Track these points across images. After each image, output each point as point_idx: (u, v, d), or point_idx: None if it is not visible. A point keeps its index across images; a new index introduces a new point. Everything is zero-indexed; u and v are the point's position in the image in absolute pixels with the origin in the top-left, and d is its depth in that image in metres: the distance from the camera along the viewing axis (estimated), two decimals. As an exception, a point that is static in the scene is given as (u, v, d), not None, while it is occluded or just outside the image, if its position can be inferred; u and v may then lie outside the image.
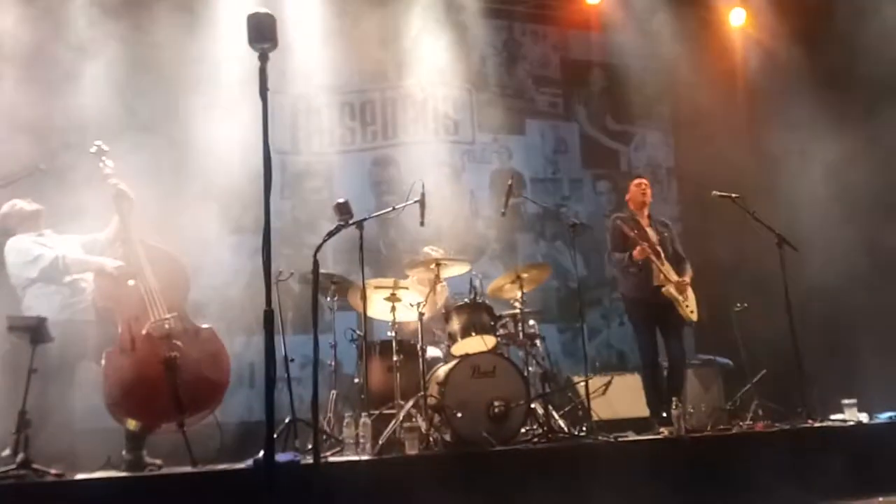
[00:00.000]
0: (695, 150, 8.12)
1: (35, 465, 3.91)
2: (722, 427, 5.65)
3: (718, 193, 6.18)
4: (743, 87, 8.63)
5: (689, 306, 5.82)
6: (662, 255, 5.86)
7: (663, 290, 5.75)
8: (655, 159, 8.87)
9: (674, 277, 5.82)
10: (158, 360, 4.45)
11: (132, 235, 4.76)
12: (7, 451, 4.18)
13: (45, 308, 4.58)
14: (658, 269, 5.77)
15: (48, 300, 4.65)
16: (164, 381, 4.42)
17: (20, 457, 3.92)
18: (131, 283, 4.62)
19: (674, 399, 5.35)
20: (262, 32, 3.03)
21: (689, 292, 5.87)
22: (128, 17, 6.47)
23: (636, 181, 6.20)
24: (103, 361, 4.45)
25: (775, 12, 8.32)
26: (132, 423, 4.42)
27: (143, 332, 4.52)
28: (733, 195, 6.15)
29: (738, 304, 6.70)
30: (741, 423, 5.81)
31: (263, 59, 3.06)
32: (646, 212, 6.09)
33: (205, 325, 4.82)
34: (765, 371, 6.36)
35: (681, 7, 8.18)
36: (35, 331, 4.17)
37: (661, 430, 5.38)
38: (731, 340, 6.73)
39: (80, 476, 4.08)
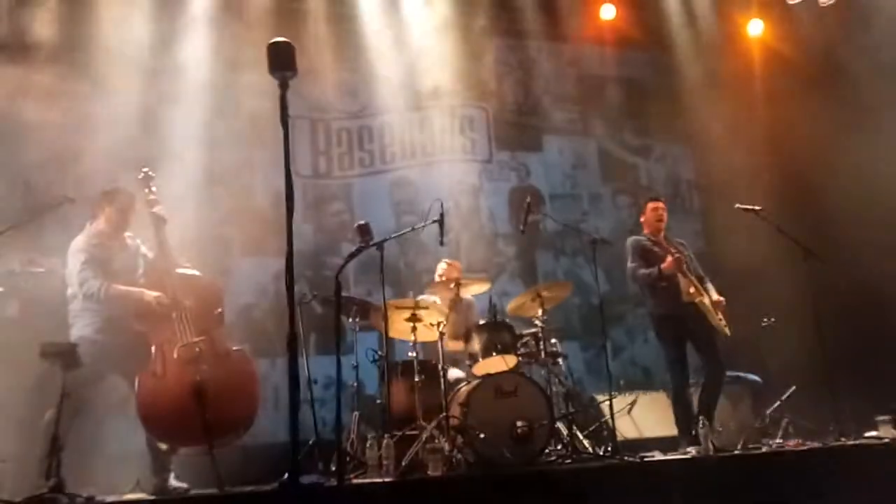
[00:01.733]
0: (716, 162, 8.08)
1: (67, 490, 3.95)
2: (752, 446, 5.56)
3: (742, 206, 6.11)
4: (762, 98, 8.57)
5: (723, 321, 5.74)
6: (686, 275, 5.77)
7: (697, 300, 5.61)
8: (676, 173, 8.83)
9: (710, 294, 5.73)
10: (186, 384, 4.50)
11: (169, 259, 4.84)
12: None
13: (87, 322, 4.68)
14: (688, 282, 5.65)
15: (92, 317, 4.70)
16: (193, 405, 4.45)
17: (52, 480, 3.97)
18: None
19: (701, 418, 5.26)
20: (282, 60, 3.10)
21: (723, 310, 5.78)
22: (152, 46, 6.61)
23: (653, 204, 6.04)
24: (136, 384, 4.51)
25: (793, 23, 8.29)
26: (164, 445, 4.48)
27: (174, 355, 4.58)
28: (757, 208, 6.07)
29: (766, 319, 6.62)
30: (771, 442, 5.72)
31: (283, 86, 3.12)
32: (661, 235, 5.98)
33: (236, 348, 4.86)
34: (795, 387, 6.26)
35: (698, 19, 8.17)
36: (67, 357, 4.24)
37: (689, 449, 5.29)
38: (759, 356, 6.65)
39: (110, 499, 4.12)
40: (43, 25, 6.32)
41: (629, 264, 5.85)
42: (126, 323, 4.67)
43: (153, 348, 4.60)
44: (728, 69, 8.42)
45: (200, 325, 4.70)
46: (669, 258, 5.58)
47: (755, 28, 8.56)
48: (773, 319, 6.63)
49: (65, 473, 4.05)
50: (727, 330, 5.72)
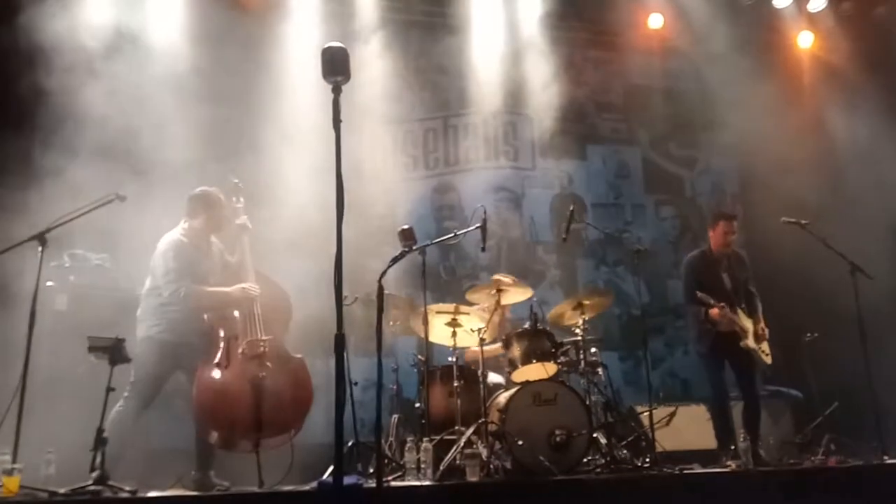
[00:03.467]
0: (761, 175, 7.96)
1: (110, 482, 4.03)
2: (792, 462, 5.47)
3: (787, 220, 6.03)
4: (811, 111, 8.42)
5: (765, 350, 5.73)
6: (734, 299, 5.76)
7: (741, 343, 5.64)
8: (720, 185, 8.74)
9: (749, 327, 5.72)
10: (247, 378, 4.59)
11: (248, 263, 5.00)
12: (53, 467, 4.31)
13: (154, 323, 4.75)
14: (733, 322, 5.67)
15: (159, 318, 4.76)
16: (249, 399, 4.54)
17: (96, 473, 4.05)
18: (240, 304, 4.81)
19: (742, 431, 5.20)
20: (336, 65, 3.14)
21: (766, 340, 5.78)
22: (202, 50, 6.73)
23: (727, 221, 5.95)
24: (197, 373, 4.59)
25: (844, 35, 8.15)
26: (214, 437, 4.55)
27: (240, 350, 4.67)
28: (802, 221, 5.99)
29: (809, 334, 6.52)
30: (812, 458, 5.62)
31: (336, 91, 3.16)
32: (729, 250, 5.96)
33: (297, 356, 4.94)
34: (837, 404, 6.15)
35: (746, 30, 8.07)
36: (114, 351, 4.33)
37: (729, 463, 5.23)
38: (801, 371, 6.54)
39: (152, 494, 4.19)
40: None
41: (683, 287, 5.88)
42: (193, 325, 4.73)
43: (221, 340, 4.69)
44: (776, 82, 8.29)
45: (268, 327, 4.82)
46: (716, 311, 5.58)
47: (805, 40, 8.43)
48: (815, 334, 6.52)
49: (112, 467, 4.13)
50: (768, 359, 5.74)
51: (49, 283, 5.30)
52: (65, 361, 5.09)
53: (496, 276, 6.08)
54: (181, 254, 4.81)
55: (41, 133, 6.23)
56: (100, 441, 4.15)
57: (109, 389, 4.27)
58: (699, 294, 5.62)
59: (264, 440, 4.56)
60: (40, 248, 4.51)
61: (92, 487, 4.00)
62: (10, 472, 3.87)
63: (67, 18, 6.08)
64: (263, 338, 4.73)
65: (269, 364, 4.67)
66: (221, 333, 4.72)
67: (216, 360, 4.64)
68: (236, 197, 5.19)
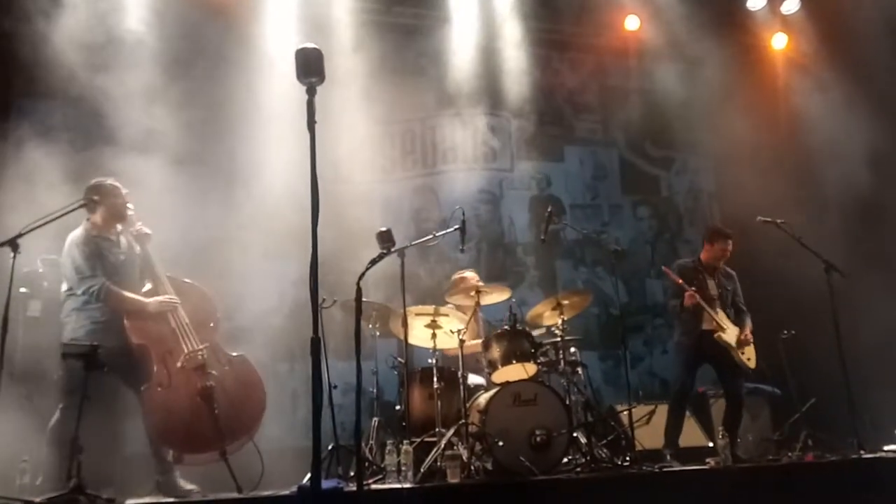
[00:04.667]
0: (737, 174, 8.03)
1: (87, 491, 3.98)
2: (770, 458, 5.52)
3: (763, 219, 6.09)
4: (785, 111, 8.53)
5: (746, 355, 5.79)
6: (718, 304, 5.84)
7: (715, 335, 5.71)
8: (697, 184, 8.81)
9: (731, 327, 5.78)
10: (194, 392, 4.55)
11: (157, 271, 4.85)
12: (40, 480, 4.28)
13: (80, 324, 4.63)
14: (710, 316, 5.74)
15: (84, 319, 4.65)
16: (203, 412, 4.50)
17: (73, 482, 4.00)
18: (164, 317, 4.69)
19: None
20: (310, 67, 3.12)
21: (749, 346, 5.84)
22: (176, 52, 6.68)
23: (725, 239, 6.01)
24: (143, 400, 4.54)
25: (817, 36, 8.24)
26: (170, 454, 4.51)
27: (178, 364, 4.61)
28: (778, 220, 6.06)
29: (786, 332, 6.58)
30: (790, 454, 5.68)
31: (311, 92, 3.14)
32: (716, 264, 6.02)
33: (235, 354, 4.90)
34: (814, 400, 6.23)
35: (721, 31, 8.14)
36: (88, 358, 4.28)
37: (708, 460, 5.28)
38: (778, 368, 6.60)
39: (130, 502, 4.14)
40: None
41: (667, 286, 6.00)
42: (120, 325, 4.63)
43: (154, 362, 4.60)
44: (751, 82, 8.39)
45: (201, 334, 4.75)
46: (688, 296, 5.66)
47: (779, 41, 8.53)
48: (792, 332, 6.59)
49: (84, 475, 4.07)
50: (751, 364, 5.79)
51: (22, 290, 5.22)
52: (39, 368, 5.03)
53: (459, 274, 6.08)
54: (87, 247, 4.68)
55: (13, 135, 6.14)
56: (75, 449, 4.09)
57: (85, 396, 4.22)
58: (668, 271, 5.74)
59: (229, 444, 4.52)
60: (12, 254, 4.42)
61: (69, 496, 3.94)
62: (-17, 483, 3.80)
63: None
64: (199, 347, 4.66)
65: (212, 372, 4.62)
66: (152, 351, 4.61)
67: (156, 380, 4.55)
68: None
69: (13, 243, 4.43)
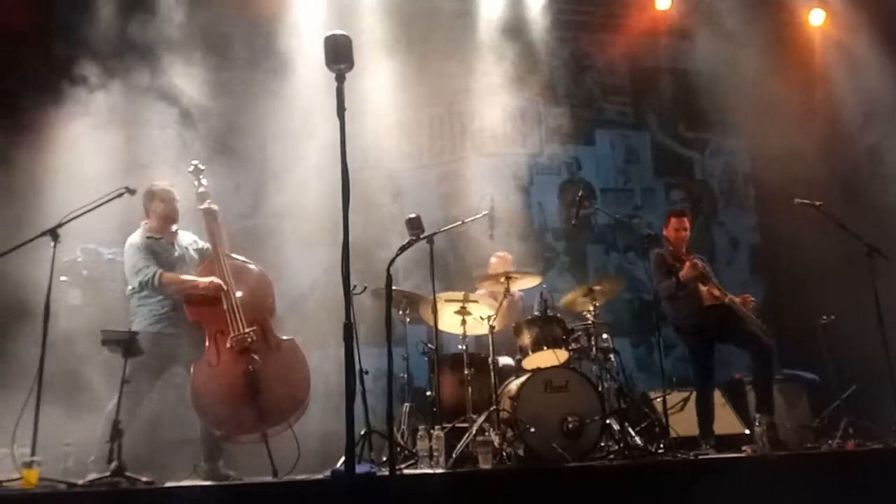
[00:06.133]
0: (773, 155, 7.87)
1: (127, 473, 4.07)
2: (809, 445, 5.43)
3: (801, 201, 5.94)
4: (823, 90, 8.32)
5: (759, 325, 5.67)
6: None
7: (727, 301, 5.58)
8: (732, 166, 8.67)
9: (727, 294, 5.66)
10: (239, 374, 4.60)
11: (219, 250, 4.94)
12: (92, 457, 4.39)
13: (144, 316, 4.83)
14: (708, 288, 5.65)
15: (149, 312, 4.86)
16: (246, 394, 4.56)
17: (113, 464, 4.08)
18: (218, 297, 4.78)
19: (757, 416, 5.17)
20: (339, 54, 3.11)
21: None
22: (206, 42, 6.73)
23: (677, 218, 5.94)
24: (192, 372, 4.64)
25: (856, 12, 8.01)
26: (218, 433, 4.58)
27: (227, 345, 4.68)
28: (816, 202, 5.90)
29: (825, 317, 6.44)
30: (830, 442, 5.57)
31: (340, 79, 3.13)
32: (684, 247, 5.89)
33: (285, 338, 4.94)
34: (854, 387, 6.09)
35: (756, 9, 7.96)
36: (127, 345, 4.36)
37: (745, 448, 5.21)
38: (817, 354, 6.48)
39: (168, 484, 4.22)
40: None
41: (655, 280, 5.78)
42: (182, 316, 4.81)
43: (207, 339, 4.72)
44: (787, 60, 8.18)
45: (252, 316, 4.81)
46: (687, 265, 5.56)
47: (816, 17, 8.30)
48: (832, 317, 6.45)
49: (125, 458, 4.16)
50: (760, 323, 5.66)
51: (62, 278, 5.35)
52: (79, 355, 5.15)
53: (497, 254, 6.06)
54: (142, 248, 4.88)
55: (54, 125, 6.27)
56: (116, 433, 4.18)
57: (124, 381, 4.31)
58: (659, 253, 5.65)
59: (270, 429, 4.57)
60: (53, 244, 4.52)
61: (109, 479, 4.03)
62: (29, 465, 3.90)
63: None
64: (247, 329, 4.72)
65: (257, 356, 4.67)
66: (206, 330, 4.73)
67: (207, 357, 4.67)
68: (198, 181, 5.09)
69: (54, 233, 4.54)
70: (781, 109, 7.74)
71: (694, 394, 6.09)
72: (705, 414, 5.70)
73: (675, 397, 5.94)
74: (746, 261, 8.36)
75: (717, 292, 5.62)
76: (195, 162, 5.16)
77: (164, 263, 4.90)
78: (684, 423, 5.84)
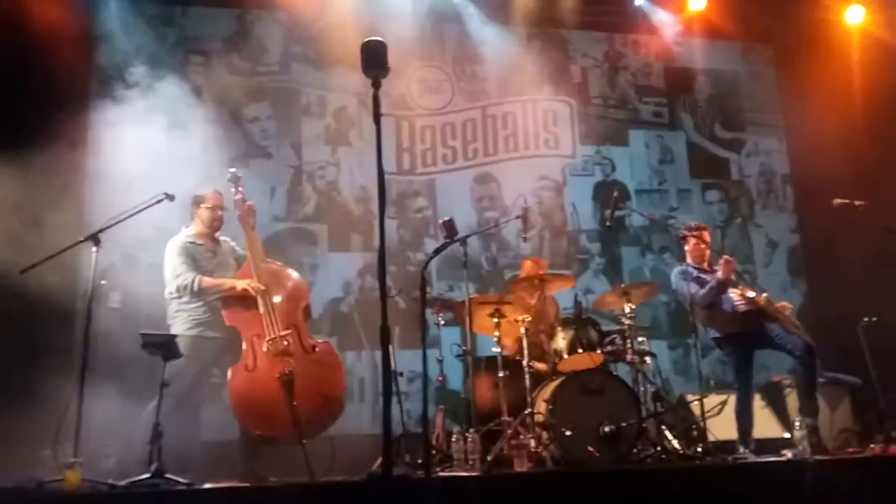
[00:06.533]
0: (812, 155, 7.73)
1: (167, 475, 4.12)
2: (851, 450, 5.32)
3: (840, 201, 5.83)
4: (862, 88, 8.15)
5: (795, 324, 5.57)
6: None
7: (763, 303, 5.47)
8: (769, 166, 8.52)
9: (759, 293, 5.56)
10: (276, 377, 4.64)
11: (255, 255, 4.99)
12: (132, 459, 4.45)
13: (182, 321, 4.89)
14: (741, 290, 5.54)
15: (187, 317, 4.92)
16: (283, 397, 4.59)
17: (154, 466, 4.14)
18: (254, 301, 4.82)
19: (797, 419, 5.08)
20: (375, 60, 3.14)
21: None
22: (240, 48, 6.84)
23: (697, 233, 5.79)
24: (229, 376, 4.69)
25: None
26: (256, 434, 4.63)
27: (263, 349, 4.73)
28: (856, 202, 5.80)
29: (867, 318, 6.31)
30: (873, 446, 5.45)
31: (376, 85, 3.15)
32: (706, 263, 5.80)
33: (321, 340, 4.98)
34: (899, 390, 5.95)
35: (792, 7, 7.83)
36: (167, 347, 4.42)
37: (785, 451, 5.13)
38: (859, 357, 6.34)
39: (207, 485, 4.28)
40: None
41: (690, 292, 5.58)
42: (219, 320, 4.86)
43: (244, 343, 4.76)
44: (825, 58, 8.03)
45: (287, 320, 4.84)
46: (722, 261, 5.45)
47: (855, 15, 8.14)
48: (874, 318, 6.31)
49: (165, 460, 4.23)
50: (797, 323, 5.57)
51: (103, 282, 5.44)
52: (120, 357, 5.25)
53: (529, 259, 6.05)
54: (183, 252, 4.93)
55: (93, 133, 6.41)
56: (156, 435, 4.24)
57: (164, 384, 4.37)
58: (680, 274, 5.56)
59: (307, 431, 4.60)
60: (94, 248, 4.60)
61: (150, 480, 4.09)
62: (71, 466, 3.97)
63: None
64: (283, 333, 4.76)
65: (293, 359, 4.69)
66: (243, 334, 4.77)
67: (244, 361, 4.71)
68: (235, 188, 5.11)
69: (95, 238, 4.61)
70: (820, 108, 7.61)
71: (732, 397, 6.02)
72: (746, 419, 5.61)
73: (712, 400, 5.86)
74: (785, 263, 8.22)
75: (750, 293, 5.53)
76: (232, 170, 5.21)
77: (204, 269, 4.96)
78: (723, 426, 5.76)
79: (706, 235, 5.87)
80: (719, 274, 5.51)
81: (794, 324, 5.55)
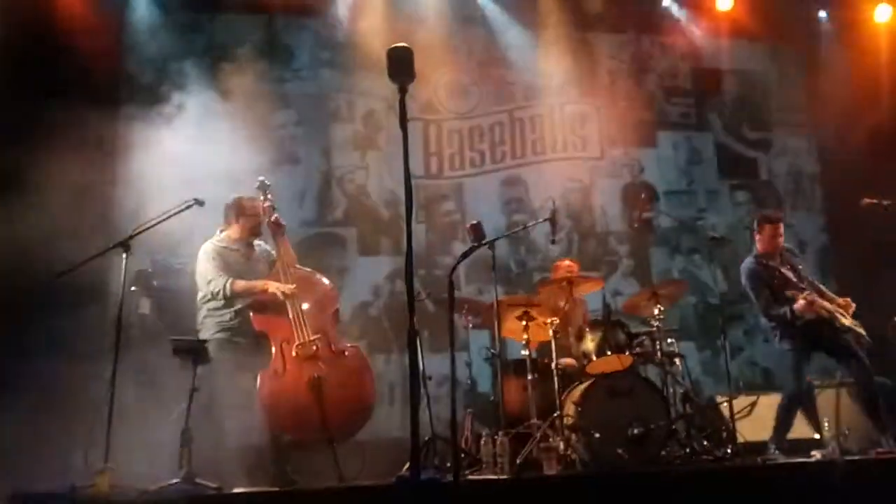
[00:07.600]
0: (841, 155, 7.63)
1: (197, 480, 4.17)
2: (881, 451, 5.23)
3: (868, 201, 5.75)
4: (889, 86, 8.02)
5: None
6: (806, 286, 5.48)
7: (837, 324, 5.36)
8: (797, 166, 8.42)
9: (831, 307, 5.44)
10: (305, 381, 4.68)
11: (285, 261, 5.05)
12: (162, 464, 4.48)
13: (211, 325, 4.94)
14: (822, 308, 5.38)
15: (217, 321, 4.96)
16: (312, 402, 4.62)
17: (183, 470, 4.19)
18: (283, 306, 4.86)
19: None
20: (401, 66, 3.15)
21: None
22: (269, 54, 6.92)
23: (773, 224, 5.67)
24: (258, 381, 4.73)
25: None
26: (286, 437, 4.67)
27: (293, 354, 4.77)
28: (885, 202, 5.71)
29: (896, 319, 6.20)
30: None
31: (403, 91, 3.17)
32: (779, 258, 5.65)
33: (350, 345, 5.01)
34: (929, 391, 5.84)
35: (818, 6, 7.74)
36: (196, 352, 4.48)
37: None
38: (889, 358, 6.24)
39: (236, 490, 4.32)
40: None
41: (756, 299, 5.55)
42: (248, 326, 4.89)
43: (273, 348, 4.80)
44: (852, 57, 7.93)
45: (316, 324, 4.88)
46: (802, 301, 5.29)
47: (882, 14, 8.03)
48: (904, 318, 6.20)
49: (194, 465, 4.27)
50: (861, 330, 5.45)
51: (133, 288, 5.52)
52: (150, 363, 5.31)
53: (558, 263, 6.04)
54: (217, 257, 4.97)
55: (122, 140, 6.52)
56: (186, 440, 4.30)
57: (194, 390, 4.42)
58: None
59: (337, 435, 4.63)
60: (124, 255, 4.65)
61: (180, 485, 4.13)
62: (102, 471, 4.03)
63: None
64: (312, 337, 4.79)
65: (322, 364, 4.73)
66: (272, 339, 4.80)
67: (273, 366, 4.74)
68: (264, 196, 5.18)
69: (125, 244, 4.67)
70: (848, 108, 7.51)
71: (762, 399, 5.95)
72: (788, 419, 5.50)
73: (742, 401, 5.80)
74: (815, 263, 8.11)
75: (823, 312, 5.36)
76: (261, 178, 5.27)
77: (235, 272, 4.99)
78: (752, 427, 5.71)
79: (781, 227, 5.71)
80: (797, 308, 5.33)
81: (858, 333, 5.44)
